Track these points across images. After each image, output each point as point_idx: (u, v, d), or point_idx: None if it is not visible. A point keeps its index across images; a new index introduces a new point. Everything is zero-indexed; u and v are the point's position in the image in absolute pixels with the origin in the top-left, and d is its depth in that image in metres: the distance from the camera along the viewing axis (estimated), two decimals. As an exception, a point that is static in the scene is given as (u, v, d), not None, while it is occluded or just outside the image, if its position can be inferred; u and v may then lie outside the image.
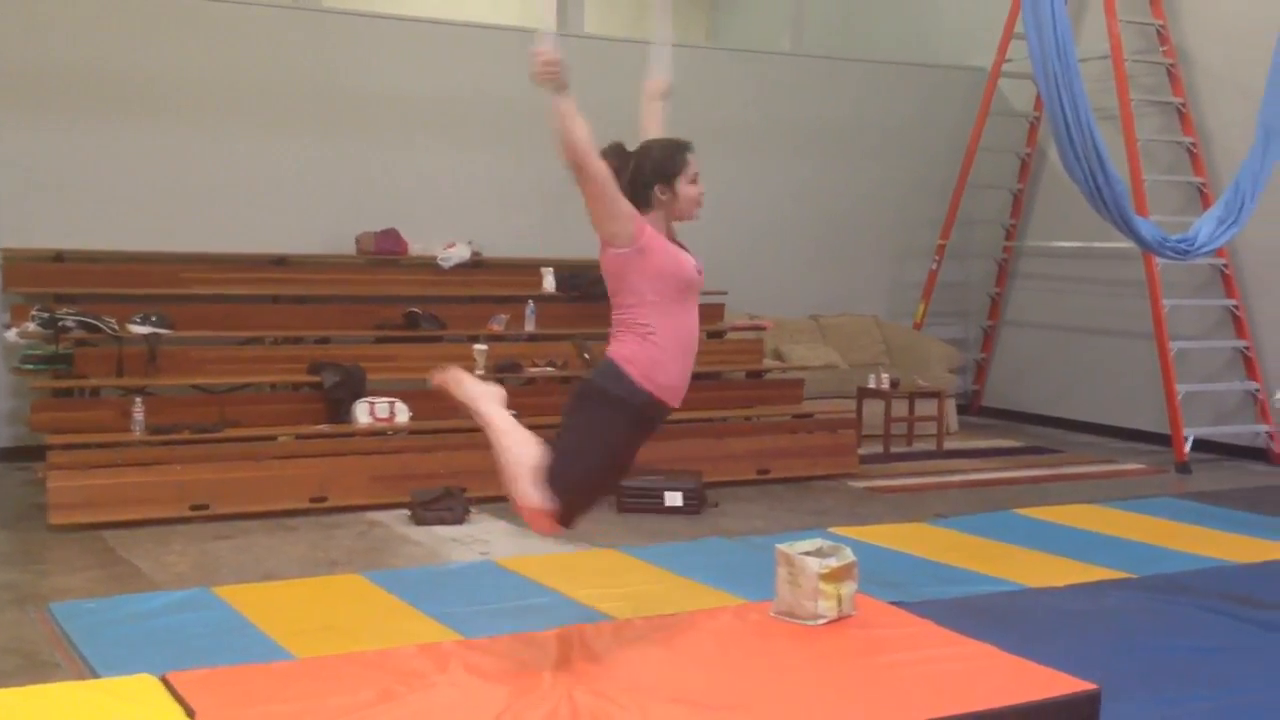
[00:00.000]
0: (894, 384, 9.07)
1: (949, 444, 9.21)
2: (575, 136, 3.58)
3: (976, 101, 10.33)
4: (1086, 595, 5.13)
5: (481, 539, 6.19)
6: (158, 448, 6.58)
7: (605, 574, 5.41)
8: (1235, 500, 7.34)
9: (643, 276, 3.72)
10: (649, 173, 3.79)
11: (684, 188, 3.81)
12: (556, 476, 3.66)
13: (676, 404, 3.83)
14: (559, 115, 3.58)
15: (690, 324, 3.81)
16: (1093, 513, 6.85)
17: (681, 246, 3.88)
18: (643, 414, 3.76)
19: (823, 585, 4.06)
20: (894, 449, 8.92)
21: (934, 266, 10.42)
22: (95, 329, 7.09)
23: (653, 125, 4.04)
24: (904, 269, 10.69)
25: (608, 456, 3.77)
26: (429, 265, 8.43)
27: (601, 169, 3.64)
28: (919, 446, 9.14)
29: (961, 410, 10.37)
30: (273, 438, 6.85)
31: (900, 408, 9.14)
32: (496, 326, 8.11)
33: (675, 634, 4.03)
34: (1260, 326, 8.93)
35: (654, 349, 3.71)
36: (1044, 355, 10.39)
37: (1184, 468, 8.45)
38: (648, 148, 3.87)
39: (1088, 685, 3.59)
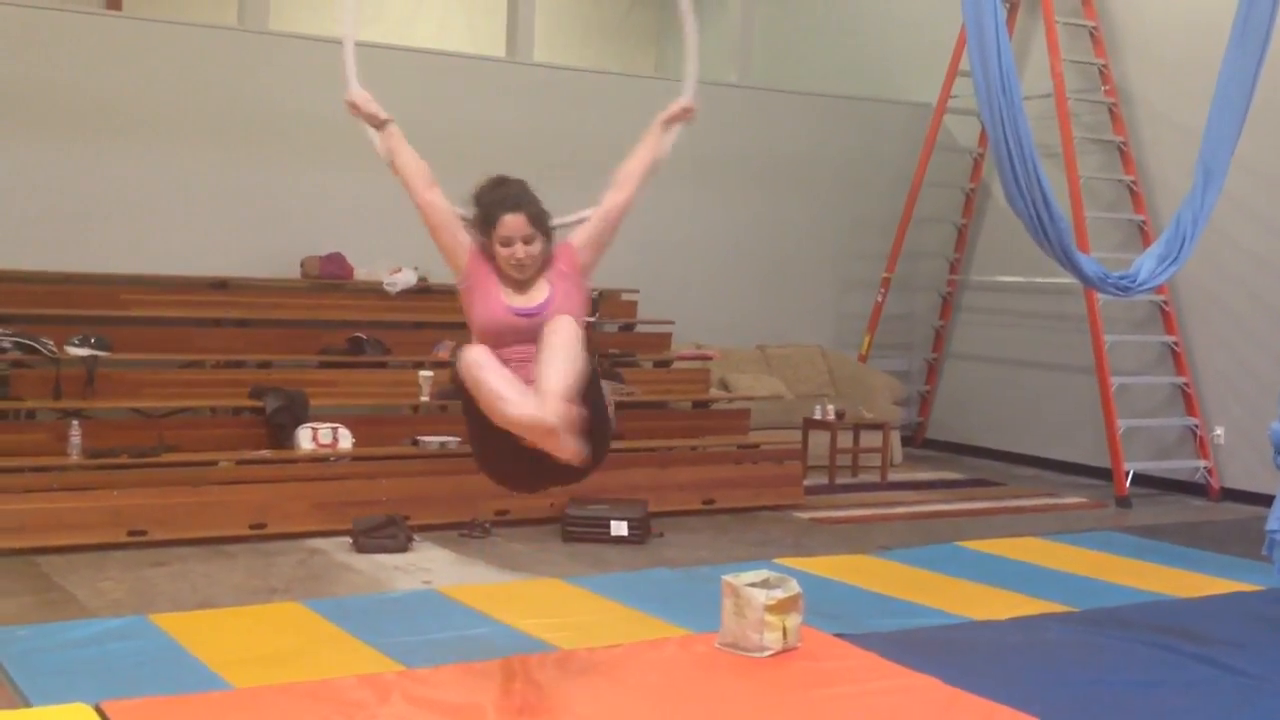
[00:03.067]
0: (839, 415, 9.11)
1: (893, 476, 9.26)
2: (400, 173, 3.80)
3: (922, 136, 10.45)
4: (1028, 628, 5.16)
5: (424, 567, 6.13)
6: (94, 472, 6.47)
7: (549, 604, 5.37)
8: (1174, 535, 7.43)
9: (468, 313, 3.80)
10: (476, 216, 3.84)
11: (495, 248, 3.80)
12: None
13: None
14: (383, 152, 3.86)
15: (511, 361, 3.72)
16: (1035, 546, 6.90)
17: (571, 274, 3.85)
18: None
19: (769, 617, 4.06)
20: (839, 480, 8.95)
21: (879, 299, 10.51)
22: (32, 350, 6.95)
23: (636, 155, 4.02)
24: (849, 301, 10.76)
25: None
26: (375, 290, 8.37)
27: (431, 201, 3.78)
28: (863, 478, 9.18)
29: (906, 442, 10.44)
30: (213, 463, 6.75)
31: (845, 439, 9.18)
32: (442, 353, 8.05)
33: (620, 665, 4.01)
34: (1199, 363, 9.08)
35: None
36: (987, 388, 10.49)
37: (1124, 502, 8.54)
38: (482, 190, 3.87)
39: (1028, 718, 3.61)
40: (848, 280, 10.75)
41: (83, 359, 7.02)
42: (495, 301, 3.79)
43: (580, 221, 3.99)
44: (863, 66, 11.25)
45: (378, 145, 3.79)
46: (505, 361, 3.77)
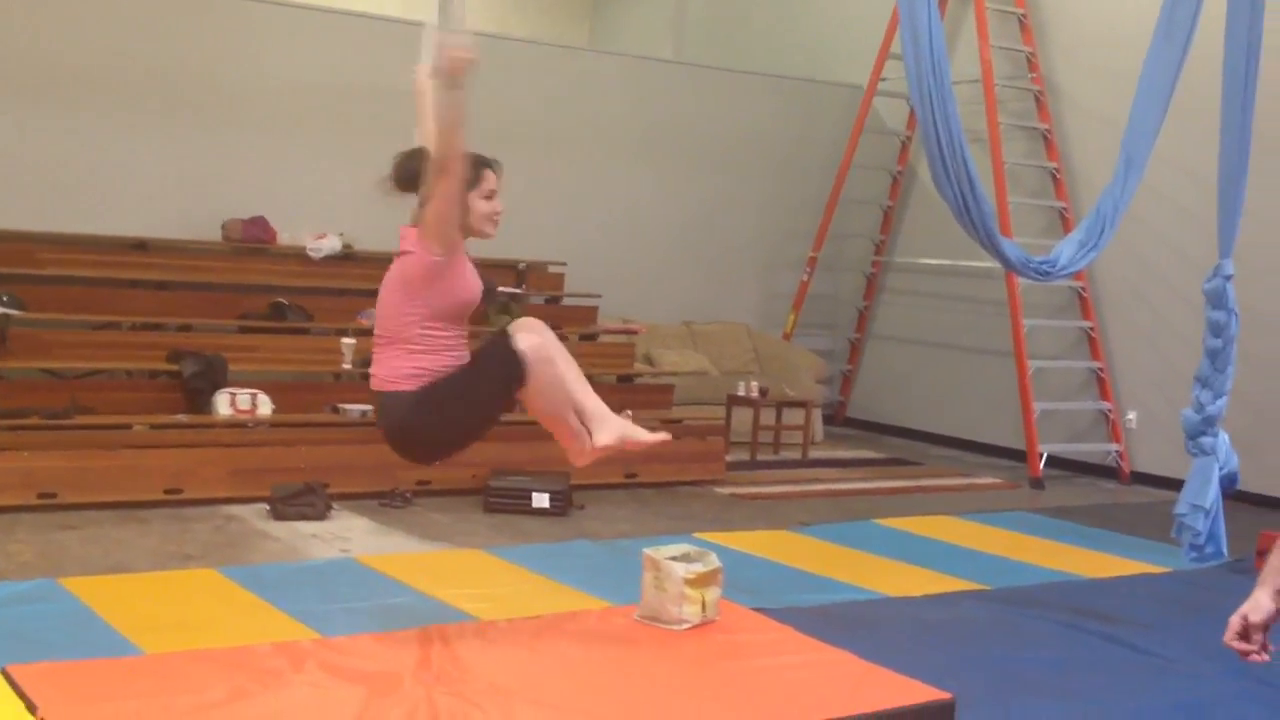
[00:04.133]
0: (763, 392, 9.17)
1: (814, 453, 9.34)
2: (461, 134, 3.55)
3: (852, 118, 10.51)
4: (942, 605, 5.25)
5: (342, 536, 6.08)
6: (4, 433, 6.31)
7: (469, 574, 5.36)
8: (1086, 516, 7.59)
9: (438, 289, 3.71)
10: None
11: (476, 201, 3.78)
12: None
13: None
14: (456, 111, 3.51)
15: (459, 344, 3.81)
16: (950, 524, 7.01)
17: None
18: None
19: (688, 590, 4.07)
20: (760, 457, 9.02)
21: (805, 278, 10.57)
22: (-59, 307, 6.79)
23: (430, 123, 3.88)
24: (776, 279, 10.81)
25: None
26: (298, 255, 8.25)
27: (464, 172, 3.64)
28: (785, 455, 9.26)
29: (827, 420, 10.54)
30: (127, 426, 6.63)
31: (768, 416, 9.24)
32: (365, 320, 7.97)
33: (539, 636, 4.00)
34: (1114, 349, 9.25)
35: (439, 359, 3.74)
36: (908, 369, 10.61)
37: (1038, 483, 8.70)
38: (407, 159, 3.83)
39: (942, 694, 3.66)
40: (776, 259, 10.80)
41: (-6, 317, 6.85)
42: (475, 277, 3.80)
43: None
44: (797, 46, 11.28)
45: (460, 104, 3.47)
46: (457, 339, 3.79)
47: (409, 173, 3.81)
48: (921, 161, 9.70)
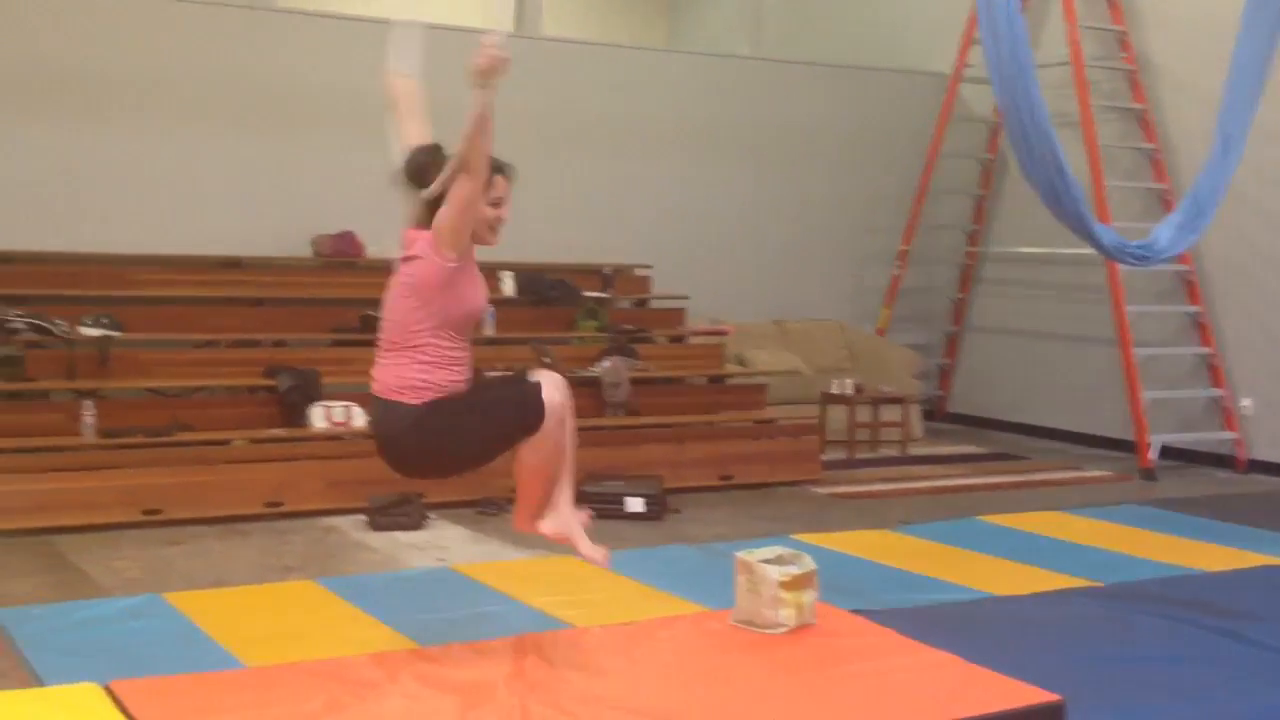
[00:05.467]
0: (858, 390, 9.03)
1: (914, 450, 9.18)
2: (490, 135, 3.50)
3: (937, 106, 10.32)
4: (1051, 604, 5.09)
5: (439, 545, 6.09)
6: (109, 451, 6.45)
7: (564, 581, 5.33)
8: (1201, 507, 7.32)
9: (450, 296, 3.64)
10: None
11: (483, 207, 3.67)
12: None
13: None
14: (486, 112, 3.47)
15: (465, 359, 3.75)
16: (1057, 520, 6.82)
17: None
18: None
19: (782, 593, 4.00)
20: (858, 455, 8.88)
21: (897, 272, 10.40)
22: (45, 331, 6.94)
23: (414, 124, 3.89)
24: (867, 274, 10.66)
25: None
26: (385, 268, 8.29)
27: (487, 174, 3.59)
28: (883, 452, 9.11)
29: (927, 416, 10.35)
30: (226, 442, 6.73)
31: (864, 413, 9.10)
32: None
33: (633, 643, 3.95)
34: (1224, 334, 8.95)
35: (445, 373, 3.69)
36: (1008, 360, 10.38)
37: (1149, 474, 8.45)
38: (420, 154, 3.75)
39: (1051, 696, 3.55)
40: (865, 253, 10.64)
41: (95, 339, 6.99)
42: (482, 287, 3.77)
43: None
44: (877, 36, 11.11)
45: (490, 105, 3.45)
46: (463, 353, 3.74)
47: (419, 167, 3.70)
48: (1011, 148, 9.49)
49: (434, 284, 3.64)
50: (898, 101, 10.62)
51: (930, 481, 8.13)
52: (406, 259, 3.71)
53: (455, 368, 3.72)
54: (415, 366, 3.67)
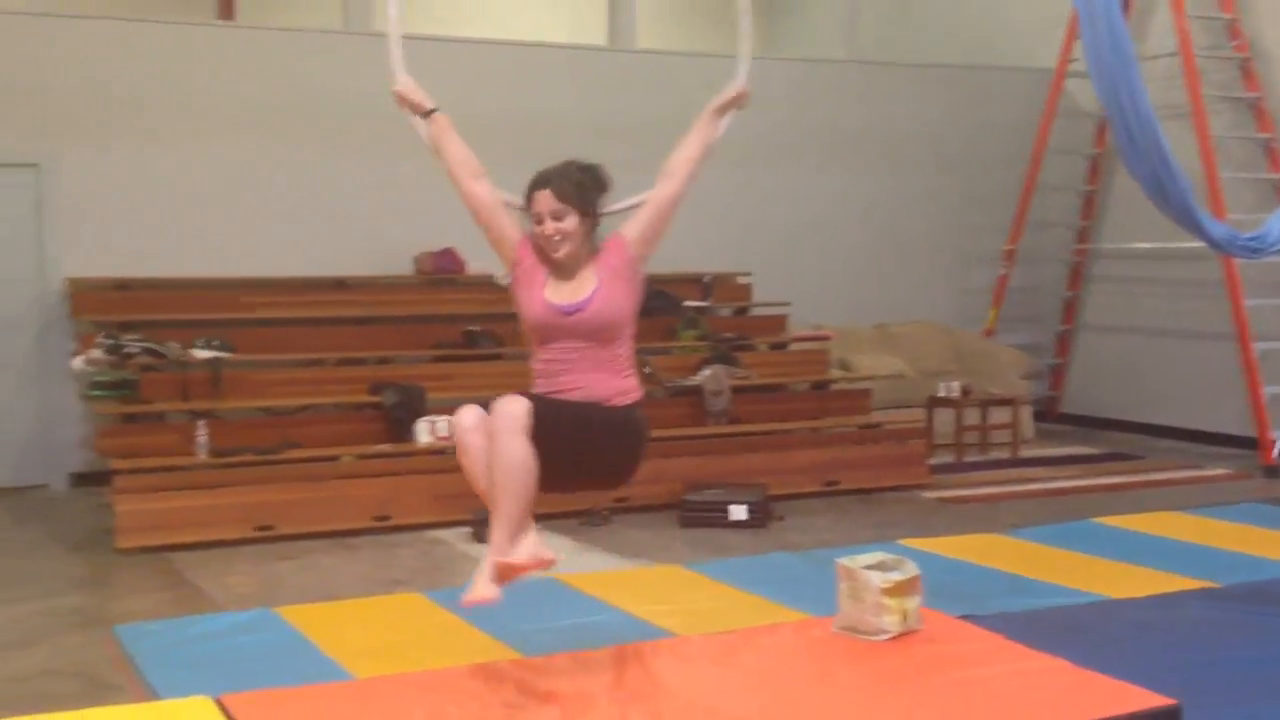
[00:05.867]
0: (965, 391, 8.88)
1: (1025, 452, 9.00)
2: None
3: (1040, 102, 10.12)
4: (1167, 606, 4.94)
5: (543, 556, 6.11)
6: (222, 470, 6.62)
7: (668, 590, 5.32)
8: (1325, 505, 7.07)
9: (519, 309, 3.76)
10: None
11: (535, 226, 3.74)
12: None
13: None
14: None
15: (557, 371, 3.77)
16: (1175, 520, 6.62)
17: (627, 271, 3.78)
18: None
19: (885, 600, 3.93)
20: (966, 458, 8.73)
21: (1003, 271, 10.22)
22: (159, 354, 7.15)
23: (688, 143, 3.95)
24: (972, 275, 10.48)
25: None
26: (486, 284, 8.38)
27: (475, 191, 3.77)
28: (993, 455, 8.94)
29: (1038, 417, 10.14)
30: (335, 458, 6.85)
31: (972, 416, 8.95)
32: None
33: (735, 651, 3.92)
34: (1347, 325, 8.64)
35: (534, 381, 3.78)
36: (1123, 359, 10.13)
37: (1272, 471, 8.18)
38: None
39: (1166, 700, 3.43)
40: (969, 254, 10.47)
41: (208, 361, 7.19)
42: (537, 296, 3.76)
43: (635, 207, 3.89)
44: (975, 33, 10.94)
45: (423, 134, 3.83)
46: (549, 363, 3.77)
47: (591, 184, 3.78)
48: (1121, 141, 9.26)
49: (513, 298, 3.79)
50: (997, 99, 10.44)
51: (1042, 484, 7.96)
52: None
53: (538, 379, 3.82)
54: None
